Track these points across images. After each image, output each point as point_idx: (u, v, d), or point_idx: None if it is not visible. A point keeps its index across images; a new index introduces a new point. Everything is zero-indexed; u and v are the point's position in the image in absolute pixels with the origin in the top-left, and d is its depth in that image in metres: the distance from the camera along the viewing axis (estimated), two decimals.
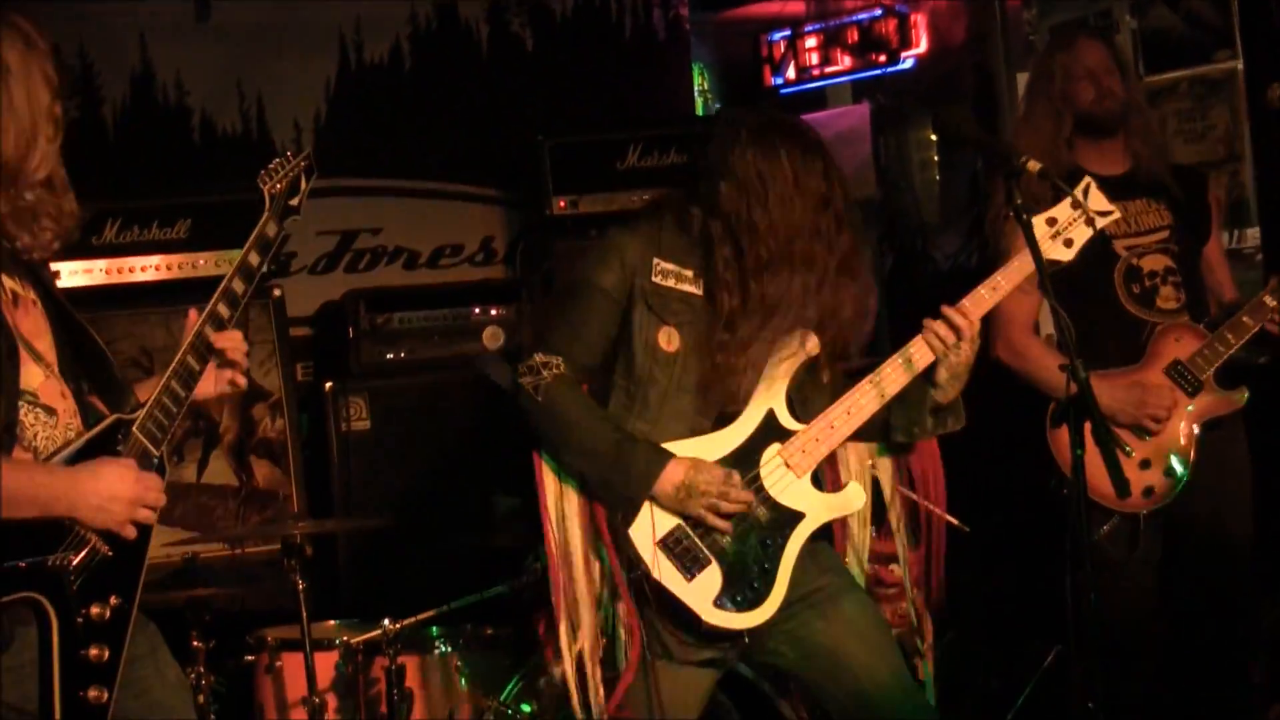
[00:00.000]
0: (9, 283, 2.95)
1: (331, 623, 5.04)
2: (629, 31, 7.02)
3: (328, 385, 5.95)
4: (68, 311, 3.09)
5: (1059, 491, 4.27)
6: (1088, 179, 3.70)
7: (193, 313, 3.15)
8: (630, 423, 3.54)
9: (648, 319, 3.56)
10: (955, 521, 4.60)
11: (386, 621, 4.58)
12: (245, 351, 3.18)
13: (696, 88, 7.43)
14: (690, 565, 3.48)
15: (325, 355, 6.28)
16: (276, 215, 3.26)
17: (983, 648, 5.44)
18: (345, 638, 4.68)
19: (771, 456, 3.56)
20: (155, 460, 3.00)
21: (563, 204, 6.27)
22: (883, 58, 6.80)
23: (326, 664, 4.68)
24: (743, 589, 3.50)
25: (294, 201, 3.31)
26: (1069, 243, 3.65)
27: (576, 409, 3.54)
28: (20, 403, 2.88)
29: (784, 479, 3.55)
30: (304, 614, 4.49)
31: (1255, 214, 5.57)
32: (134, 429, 2.97)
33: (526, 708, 4.48)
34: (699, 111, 7.46)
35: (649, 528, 3.47)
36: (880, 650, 3.63)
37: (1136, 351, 4.38)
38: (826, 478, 3.73)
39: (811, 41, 7.06)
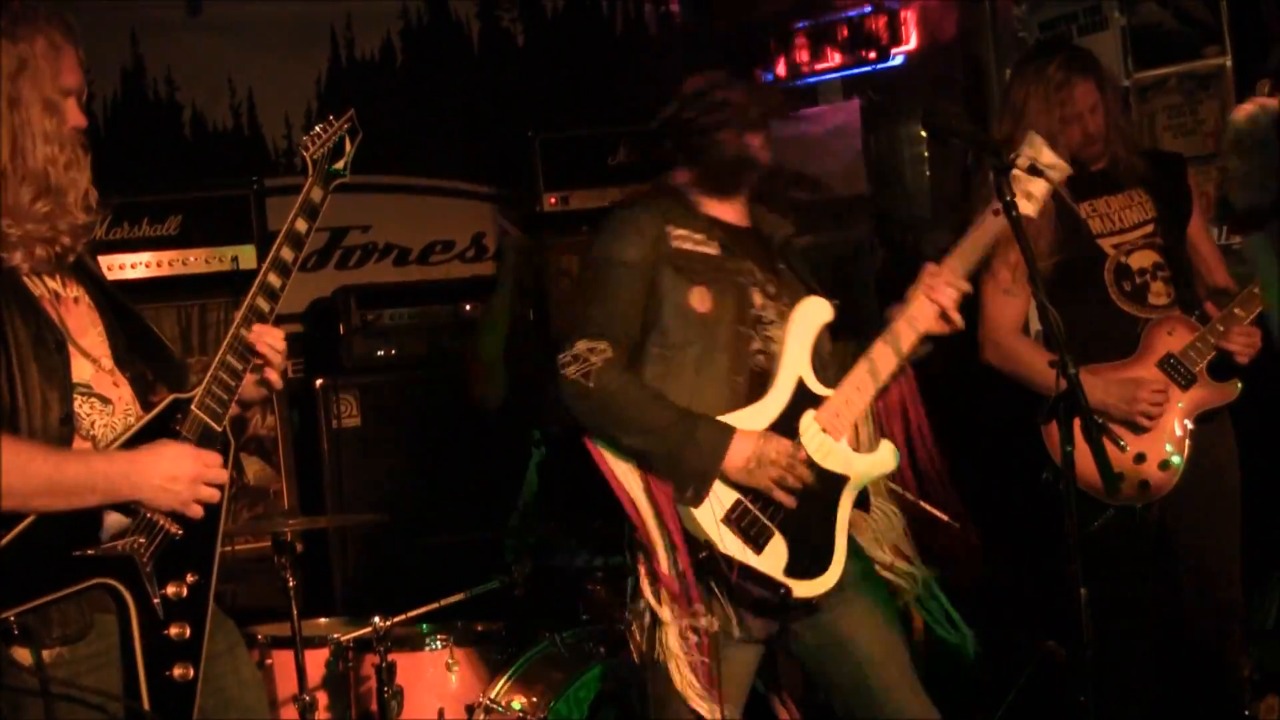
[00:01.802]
0: (50, 283, 2.98)
1: (322, 620, 5.05)
2: (620, 28, 7.04)
3: (318, 382, 5.97)
4: (118, 300, 3.11)
5: (1052, 484, 4.27)
6: (1031, 133, 3.70)
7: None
8: (669, 388, 3.53)
9: (676, 282, 3.56)
10: (945, 517, 4.61)
11: (377, 618, 4.58)
12: (283, 350, 3.15)
13: None
14: (757, 538, 3.47)
15: (316, 352, 6.28)
16: (320, 180, 3.23)
17: (978, 641, 5.44)
18: (336, 635, 4.69)
19: (809, 423, 3.56)
20: (219, 434, 3.01)
21: (553, 200, 6.28)
22: (873, 54, 6.79)
23: (317, 661, 4.68)
24: (806, 556, 3.51)
25: (339, 165, 3.28)
26: (1029, 195, 3.66)
27: (633, 391, 3.50)
28: (74, 394, 2.91)
29: (825, 444, 3.56)
30: (294, 611, 4.49)
31: None
32: (192, 407, 2.99)
33: (517, 705, 4.48)
34: None
35: (712, 504, 3.46)
36: (892, 648, 3.64)
37: (1131, 348, 4.39)
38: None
39: (801, 38, 7.06)
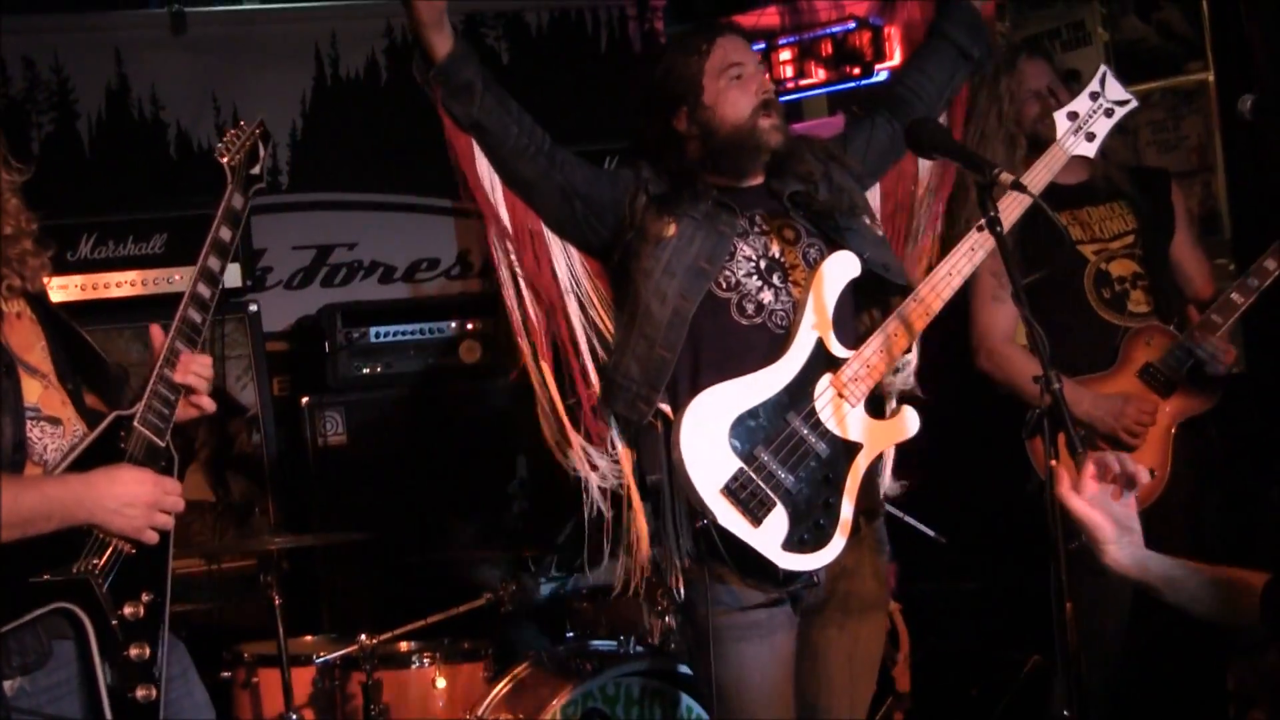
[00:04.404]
0: None
1: (309, 638, 5.04)
2: (604, 45, 7.03)
3: (304, 400, 5.95)
4: (56, 314, 3.10)
5: (1037, 496, 4.27)
6: (1104, 68, 3.70)
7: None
8: (638, 306, 3.56)
9: (651, 211, 3.60)
10: (932, 533, 4.62)
11: (363, 636, 4.57)
12: (208, 377, 3.15)
13: None
14: (756, 510, 3.43)
15: (302, 370, 6.27)
16: (240, 186, 3.25)
17: (962, 655, 5.45)
18: (322, 653, 4.67)
19: (825, 388, 3.53)
20: (163, 449, 3.00)
21: None
22: (857, 70, 6.80)
23: (304, 680, 4.67)
24: (809, 527, 3.47)
25: (255, 170, 3.31)
26: (1091, 136, 3.65)
27: None
28: (23, 419, 2.88)
29: (839, 410, 3.52)
30: (280, 629, 4.48)
31: (1227, 223, 5.58)
32: (135, 424, 2.98)
33: None
34: None
35: (713, 475, 3.43)
36: (855, 688, 3.66)
37: (1110, 356, 4.40)
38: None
39: (786, 54, 7.05)
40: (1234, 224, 5.54)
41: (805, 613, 3.60)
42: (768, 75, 3.78)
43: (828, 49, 6.90)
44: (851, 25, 6.80)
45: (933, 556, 4.88)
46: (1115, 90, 3.67)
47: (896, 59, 6.78)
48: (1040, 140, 4.42)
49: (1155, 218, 4.53)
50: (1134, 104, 3.70)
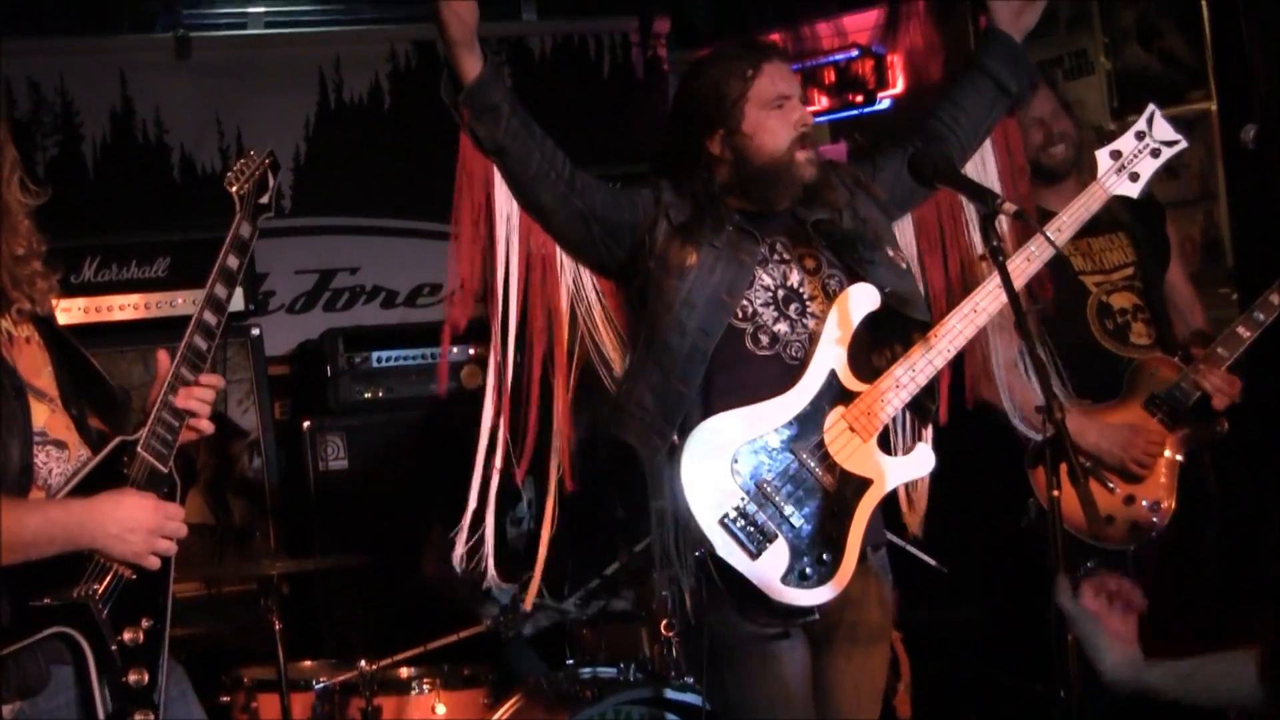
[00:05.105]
0: (3, 324, 2.98)
1: (308, 662, 5.02)
2: (607, 71, 7.05)
3: (305, 424, 5.95)
4: (63, 337, 3.11)
5: (1038, 524, 4.27)
6: (1152, 106, 3.67)
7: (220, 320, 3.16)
8: (665, 331, 3.50)
9: (672, 239, 3.54)
10: (934, 562, 4.61)
11: (363, 662, 4.56)
12: (210, 402, 3.15)
13: None
14: (756, 542, 3.39)
15: (303, 394, 6.27)
16: (249, 215, 3.27)
17: (963, 683, 5.43)
18: (321, 678, 4.66)
19: (835, 421, 3.48)
20: (166, 475, 3.01)
21: None
22: (860, 98, 6.81)
23: (303, 705, 4.65)
24: (811, 562, 3.42)
25: (264, 200, 3.33)
26: (1135, 176, 3.61)
27: None
28: (31, 442, 2.90)
29: (849, 444, 3.47)
30: (280, 653, 4.47)
31: (1229, 251, 5.59)
32: (138, 449, 2.99)
33: None
34: None
35: (713, 505, 3.39)
36: (860, 718, 3.62)
37: (1115, 387, 4.40)
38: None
39: None
40: (1236, 252, 5.54)
41: (812, 643, 3.57)
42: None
43: (830, 76, 6.91)
44: (855, 53, 6.82)
45: (933, 584, 4.87)
46: (1163, 130, 3.62)
47: (899, 87, 6.80)
48: (1042, 167, 4.42)
49: (1152, 250, 4.54)
50: (1183, 144, 3.64)
